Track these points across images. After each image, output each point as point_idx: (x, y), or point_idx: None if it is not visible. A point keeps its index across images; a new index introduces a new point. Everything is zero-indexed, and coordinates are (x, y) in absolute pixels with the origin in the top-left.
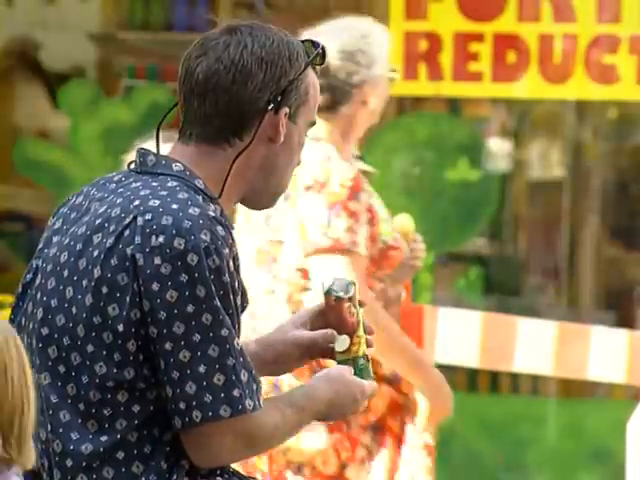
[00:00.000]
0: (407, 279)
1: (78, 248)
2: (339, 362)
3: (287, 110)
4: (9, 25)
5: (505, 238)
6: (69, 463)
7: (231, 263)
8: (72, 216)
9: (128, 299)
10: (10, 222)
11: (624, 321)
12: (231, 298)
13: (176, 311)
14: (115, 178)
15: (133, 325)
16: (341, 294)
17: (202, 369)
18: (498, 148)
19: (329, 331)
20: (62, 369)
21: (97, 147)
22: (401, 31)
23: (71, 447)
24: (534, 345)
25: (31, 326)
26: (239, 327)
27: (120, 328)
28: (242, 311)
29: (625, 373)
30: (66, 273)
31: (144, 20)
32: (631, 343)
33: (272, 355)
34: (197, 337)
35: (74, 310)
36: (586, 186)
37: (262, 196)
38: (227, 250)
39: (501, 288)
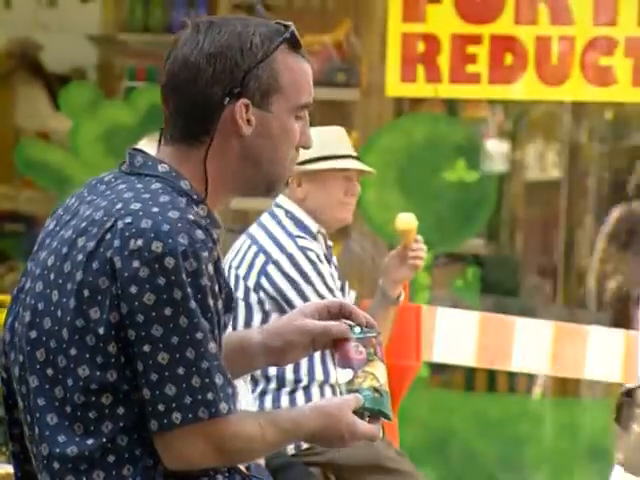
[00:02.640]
0: (407, 279)
1: (64, 252)
2: (341, 393)
3: (246, 101)
4: (10, 27)
5: (502, 238)
6: (56, 466)
7: (210, 267)
8: (64, 218)
9: (108, 302)
10: (11, 222)
11: (620, 321)
12: (209, 301)
13: (154, 314)
14: (106, 179)
15: (113, 328)
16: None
17: (181, 371)
18: (495, 149)
19: (342, 325)
20: (50, 372)
21: (97, 148)
22: (399, 33)
23: (57, 450)
24: (531, 345)
25: (20, 329)
26: (220, 330)
27: (101, 331)
28: (228, 313)
29: (621, 372)
30: (52, 276)
31: (144, 22)
32: (627, 343)
33: (280, 343)
34: (175, 339)
35: (59, 313)
36: (583, 187)
37: (257, 186)
38: (206, 253)
39: (498, 288)
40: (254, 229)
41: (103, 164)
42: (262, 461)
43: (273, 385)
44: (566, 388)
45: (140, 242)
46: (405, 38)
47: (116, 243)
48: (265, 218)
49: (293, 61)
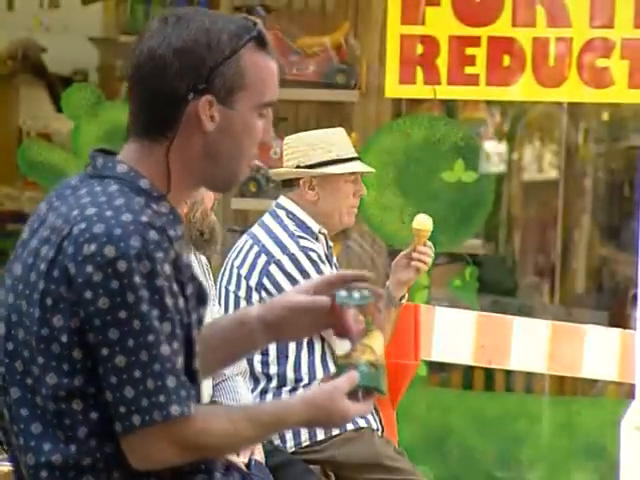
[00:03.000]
0: (410, 281)
1: (30, 262)
2: (338, 366)
3: (210, 97)
4: (12, 29)
5: (500, 238)
6: (44, 475)
7: (167, 266)
8: (34, 226)
9: (68, 308)
10: (14, 223)
11: (617, 320)
12: (168, 302)
13: (109, 317)
14: (72, 182)
15: (75, 334)
16: (345, 301)
17: (137, 374)
18: (493, 150)
19: (324, 298)
20: (29, 381)
21: None
22: (398, 35)
23: (43, 459)
24: (529, 344)
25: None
26: (187, 328)
27: (64, 339)
28: (202, 306)
29: (618, 371)
30: (21, 287)
31: (145, 24)
32: (623, 342)
33: (272, 317)
34: (131, 342)
35: (28, 323)
36: (580, 187)
37: (216, 182)
38: (161, 254)
39: (496, 288)
40: (256, 229)
41: None
42: (262, 459)
43: (274, 383)
44: (563, 387)
45: (93, 247)
46: (404, 40)
47: (70, 249)
48: (267, 218)
49: (260, 59)
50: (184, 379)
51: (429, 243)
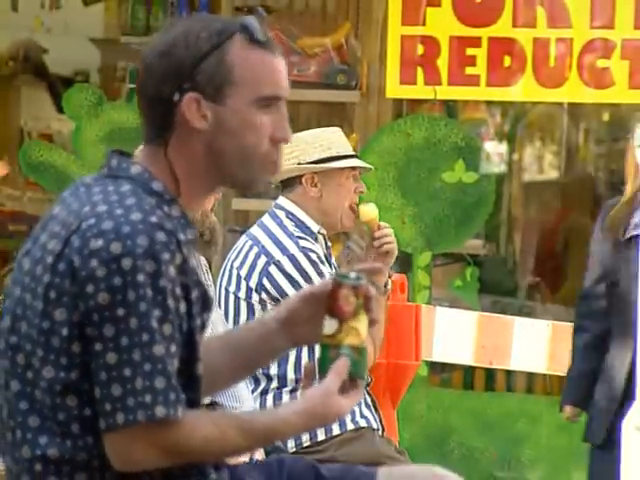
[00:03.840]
0: (387, 266)
1: (38, 255)
2: (322, 345)
3: (196, 95)
4: (14, 30)
5: (501, 239)
6: (38, 468)
7: (172, 268)
8: (45, 222)
9: (70, 302)
10: (15, 223)
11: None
12: (170, 304)
13: (107, 314)
14: (86, 181)
15: (75, 328)
16: (339, 279)
17: (127, 372)
18: (494, 150)
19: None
20: (30, 375)
21: (100, 150)
22: (399, 36)
23: (38, 452)
24: (529, 344)
25: (4, 335)
26: (188, 333)
27: (64, 332)
28: (206, 313)
29: None
30: (27, 280)
31: (146, 25)
32: None
33: (286, 313)
34: (125, 340)
35: (31, 316)
36: (580, 188)
37: (235, 182)
38: (167, 255)
39: (497, 288)
40: (255, 230)
41: None
42: (262, 459)
43: (274, 384)
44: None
45: (100, 242)
46: (405, 40)
47: (77, 243)
48: (266, 219)
49: (250, 53)
50: (175, 382)
51: (382, 224)
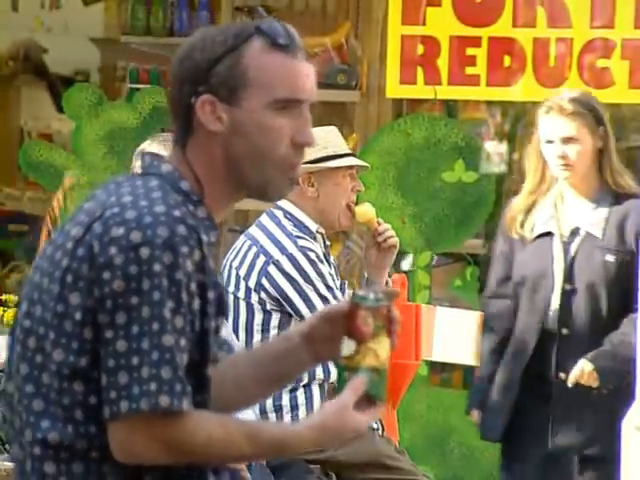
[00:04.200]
0: (388, 263)
1: (60, 242)
2: (340, 366)
3: (210, 97)
4: (14, 29)
5: None
6: (37, 451)
7: (189, 263)
8: (75, 215)
9: (86, 286)
10: (15, 223)
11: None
12: (183, 297)
13: (121, 301)
14: (119, 179)
15: (89, 313)
16: (357, 300)
17: (135, 361)
18: (494, 150)
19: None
20: (39, 359)
21: (100, 149)
22: (399, 35)
23: (39, 435)
24: None
25: (19, 319)
26: (200, 332)
27: (77, 316)
28: (220, 316)
29: None
30: (46, 265)
31: (146, 25)
32: None
33: (306, 328)
34: (135, 329)
35: (47, 300)
36: None
37: (250, 187)
38: (185, 249)
39: None
40: (254, 230)
41: (105, 165)
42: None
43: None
44: None
45: (121, 230)
46: (405, 40)
47: (98, 230)
48: (264, 219)
49: (268, 56)
50: (182, 375)
51: (380, 220)
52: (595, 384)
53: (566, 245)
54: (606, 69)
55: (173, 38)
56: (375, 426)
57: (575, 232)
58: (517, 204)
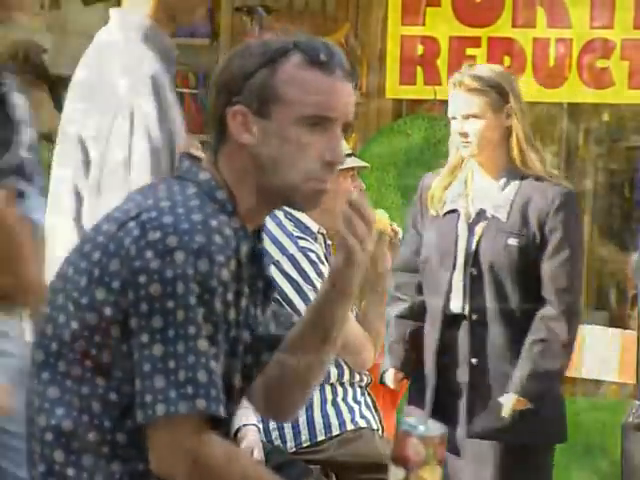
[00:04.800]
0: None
1: (91, 236)
2: None
3: (242, 108)
4: (14, 29)
5: None
6: (48, 438)
7: (225, 272)
8: (110, 214)
9: (118, 286)
10: None
11: (617, 320)
12: (217, 305)
13: (157, 305)
14: (156, 181)
15: (121, 313)
16: (408, 429)
17: (172, 364)
18: None
19: None
20: (54, 347)
21: None
22: (398, 36)
23: (53, 421)
24: None
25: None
26: (229, 339)
27: (107, 312)
28: (247, 331)
29: (617, 371)
30: (74, 257)
31: None
32: (623, 342)
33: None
34: (172, 333)
35: (70, 289)
36: (579, 187)
37: (273, 197)
38: (222, 258)
39: None
40: None
41: None
42: (262, 459)
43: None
44: (563, 387)
45: (158, 234)
46: (404, 40)
47: (135, 232)
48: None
49: (304, 72)
50: (217, 380)
51: (394, 226)
52: (529, 405)
53: (471, 226)
54: (606, 69)
55: (173, 39)
56: (375, 427)
57: (480, 214)
58: (437, 181)
